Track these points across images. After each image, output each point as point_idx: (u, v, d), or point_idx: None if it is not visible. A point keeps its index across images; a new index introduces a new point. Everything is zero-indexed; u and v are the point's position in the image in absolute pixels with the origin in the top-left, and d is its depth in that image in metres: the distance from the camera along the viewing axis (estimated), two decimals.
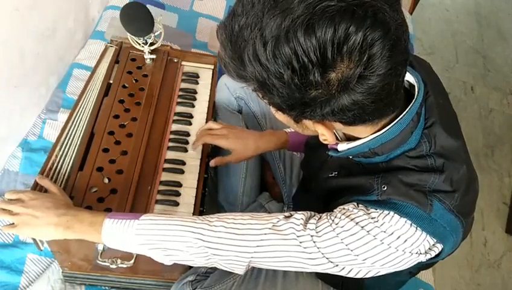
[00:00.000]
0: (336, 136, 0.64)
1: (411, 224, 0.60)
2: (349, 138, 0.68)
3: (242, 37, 0.52)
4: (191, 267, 0.92)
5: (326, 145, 0.71)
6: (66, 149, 0.93)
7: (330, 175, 0.76)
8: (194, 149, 1.00)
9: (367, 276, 0.67)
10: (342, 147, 0.67)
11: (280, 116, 0.64)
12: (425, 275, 1.20)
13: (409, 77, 0.66)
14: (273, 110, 0.62)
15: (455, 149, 0.65)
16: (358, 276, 0.67)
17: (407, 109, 0.62)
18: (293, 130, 1.03)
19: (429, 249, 0.63)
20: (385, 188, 0.62)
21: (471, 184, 0.67)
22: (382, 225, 0.61)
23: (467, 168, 0.65)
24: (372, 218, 0.61)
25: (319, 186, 0.81)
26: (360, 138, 0.65)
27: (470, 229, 0.70)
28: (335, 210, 0.66)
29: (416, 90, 0.64)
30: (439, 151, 0.63)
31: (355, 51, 0.49)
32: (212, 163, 1.00)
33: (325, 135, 0.62)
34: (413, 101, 0.62)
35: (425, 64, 0.75)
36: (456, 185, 0.62)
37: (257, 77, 0.53)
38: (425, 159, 0.63)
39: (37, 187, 0.85)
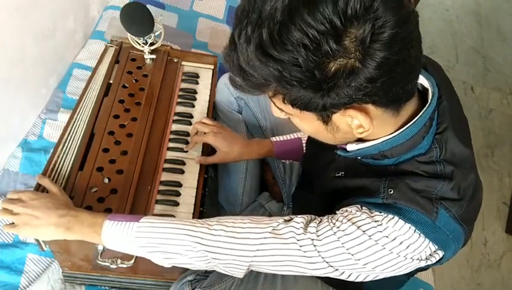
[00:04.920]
0: (368, 125, 0.58)
1: (415, 230, 0.60)
2: (360, 139, 0.66)
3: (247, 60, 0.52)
4: None
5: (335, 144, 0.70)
6: (67, 149, 0.93)
7: (337, 175, 0.75)
8: (188, 150, 1.00)
9: (366, 280, 0.67)
10: (352, 147, 0.67)
11: (306, 126, 0.62)
12: (425, 275, 1.20)
13: (423, 80, 0.65)
14: (296, 119, 0.61)
15: (465, 157, 0.64)
16: (358, 280, 0.66)
17: (421, 113, 0.61)
18: (279, 139, 1.03)
19: (430, 255, 0.62)
20: (392, 192, 0.61)
21: (477, 193, 0.66)
22: (385, 229, 0.60)
23: (475, 177, 0.65)
24: (375, 221, 0.61)
25: (323, 185, 0.80)
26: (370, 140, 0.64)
27: (470, 236, 0.69)
28: (337, 212, 0.66)
29: (430, 94, 0.63)
30: (450, 158, 0.62)
31: (361, 10, 0.48)
32: (196, 161, 1.00)
33: (360, 121, 0.56)
34: (427, 105, 0.61)
35: (438, 66, 0.73)
36: (463, 193, 0.62)
37: (272, 74, 0.52)
38: (435, 165, 0.62)
39: (39, 188, 0.85)
